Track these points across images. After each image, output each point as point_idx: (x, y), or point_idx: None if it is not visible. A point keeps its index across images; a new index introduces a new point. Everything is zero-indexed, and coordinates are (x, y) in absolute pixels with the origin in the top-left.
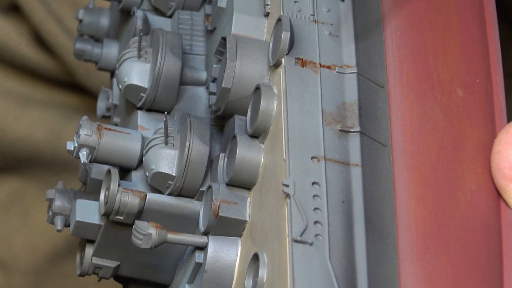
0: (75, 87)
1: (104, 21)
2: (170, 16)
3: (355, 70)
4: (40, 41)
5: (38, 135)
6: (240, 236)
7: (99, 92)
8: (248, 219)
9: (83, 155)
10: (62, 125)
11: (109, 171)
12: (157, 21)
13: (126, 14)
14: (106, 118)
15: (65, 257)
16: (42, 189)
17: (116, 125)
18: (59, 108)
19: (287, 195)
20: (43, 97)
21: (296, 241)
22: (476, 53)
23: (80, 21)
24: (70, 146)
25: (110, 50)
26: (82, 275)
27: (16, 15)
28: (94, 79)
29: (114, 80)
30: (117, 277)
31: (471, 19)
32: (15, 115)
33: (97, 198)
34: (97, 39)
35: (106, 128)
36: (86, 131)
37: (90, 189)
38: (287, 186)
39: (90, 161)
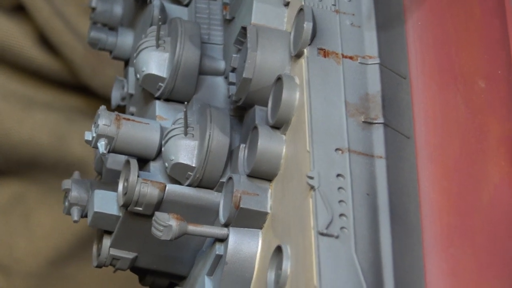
0: (80, 89)
1: (118, 9)
2: (186, 5)
3: (378, 61)
4: (45, 41)
5: (42, 138)
6: (261, 228)
7: (104, 92)
8: (269, 211)
9: (102, 145)
10: (66, 128)
11: (128, 162)
12: (173, 10)
13: (141, 3)
14: (120, 107)
15: (67, 261)
16: (45, 193)
17: (132, 114)
18: (63, 110)
19: (312, 188)
20: (47, 99)
21: (321, 234)
22: (497, 44)
23: (93, 9)
24: (88, 136)
25: (125, 39)
26: (99, 266)
27: (20, 15)
28: (100, 79)
29: (130, 69)
30: (134, 268)
31: (492, 10)
32: (18, 117)
33: (114, 189)
34: (110, 27)
35: (124, 118)
36: (105, 121)
37: (105, 179)
38: (311, 178)
39: (108, 152)
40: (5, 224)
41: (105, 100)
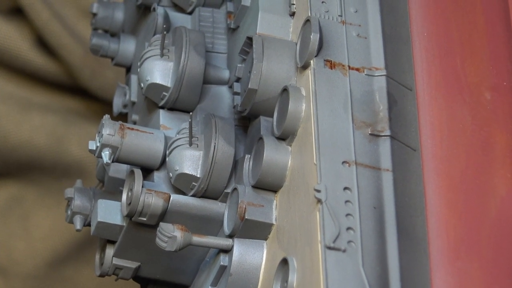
0: (77, 91)
1: (119, 15)
2: (190, 13)
3: (384, 73)
4: (43, 43)
5: (40, 140)
6: (266, 239)
7: (103, 94)
8: (274, 222)
9: (106, 155)
10: (63, 130)
11: (132, 172)
12: (176, 17)
13: (143, 9)
14: (122, 114)
15: (65, 262)
16: (43, 194)
17: (135, 123)
18: (60, 112)
19: (319, 201)
20: (45, 101)
21: (329, 248)
22: (502, 55)
23: (94, 15)
24: (92, 145)
25: (127, 46)
26: (102, 275)
27: (18, 18)
28: (99, 81)
29: (132, 76)
30: (136, 277)
31: (497, 20)
32: (16, 120)
33: (118, 198)
34: (111, 34)
35: (128, 128)
36: (109, 131)
37: (108, 187)
38: (319, 191)
39: (112, 161)
40: (3, 226)
41: (104, 102)
